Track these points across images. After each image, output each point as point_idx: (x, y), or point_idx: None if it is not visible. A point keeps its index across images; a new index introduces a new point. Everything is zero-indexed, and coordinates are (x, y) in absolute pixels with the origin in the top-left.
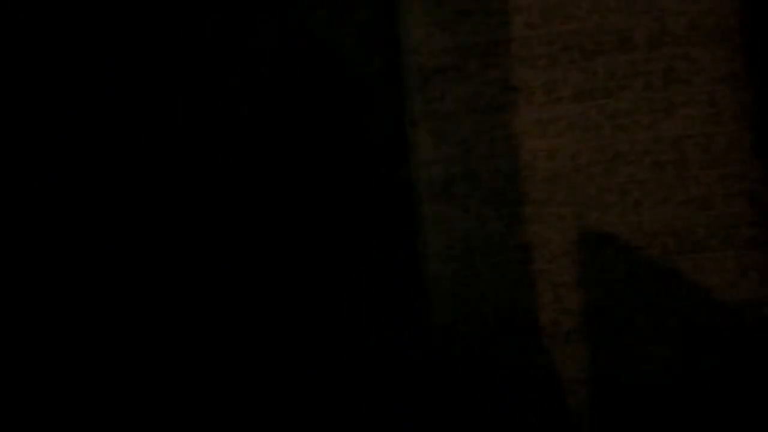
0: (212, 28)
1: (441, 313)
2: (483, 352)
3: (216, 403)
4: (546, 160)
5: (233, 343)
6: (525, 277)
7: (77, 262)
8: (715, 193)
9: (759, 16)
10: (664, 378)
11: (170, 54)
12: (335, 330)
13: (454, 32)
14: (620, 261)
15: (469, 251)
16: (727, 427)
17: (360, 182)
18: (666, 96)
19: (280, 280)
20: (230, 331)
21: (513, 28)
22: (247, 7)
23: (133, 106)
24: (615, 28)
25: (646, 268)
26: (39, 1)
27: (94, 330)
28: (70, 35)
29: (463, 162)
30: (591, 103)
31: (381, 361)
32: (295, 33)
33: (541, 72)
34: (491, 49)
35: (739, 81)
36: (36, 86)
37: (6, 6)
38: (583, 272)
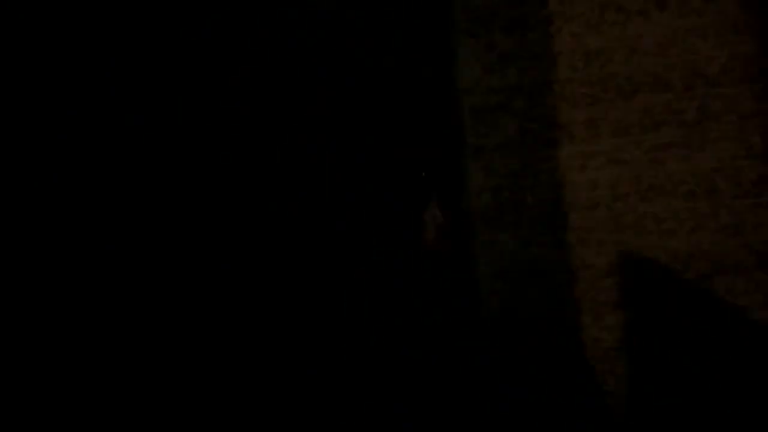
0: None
1: (492, 329)
2: (530, 365)
3: (225, 401)
4: (587, 190)
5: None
6: (569, 298)
7: (77, 262)
8: (745, 221)
9: None
10: (699, 392)
11: (172, 54)
12: (387, 343)
13: (503, 74)
14: (657, 283)
15: (517, 273)
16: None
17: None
18: (699, 132)
19: (337, 298)
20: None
21: (557, 70)
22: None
23: (133, 107)
24: (652, 71)
25: (682, 290)
26: (39, 1)
27: (94, 330)
28: (69, 35)
29: (511, 191)
30: (629, 139)
31: (435, 372)
32: (364, 71)
33: (583, 110)
34: (536, 89)
35: (766, 117)
36: (36, 86)
37: (6, 6)
38: (622, 293)
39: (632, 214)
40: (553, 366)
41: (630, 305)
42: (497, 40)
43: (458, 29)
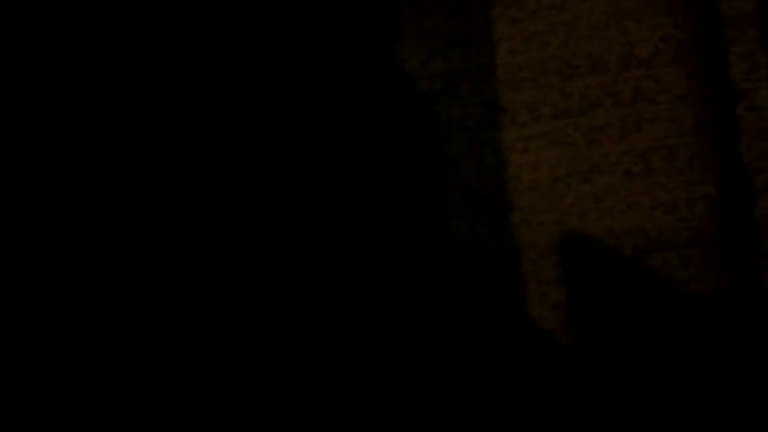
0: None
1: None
2: (478, 345)
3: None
4: (529, 172)
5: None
6: (514, 277)
7: (77, 263)
8: (679, 198)
9: (711, 41)
10: (640, 360)
11: (172, 55)
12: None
13: (447, 59)
14: (597, 260)
15: (463, 255)
16: (693, 399)
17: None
18: (634, 112)
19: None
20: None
21: (498, 55)
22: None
23: (133, 107)
24: (587, 53)
25: (620, 265)
26: (40, 2)
27: (95, 330)
28: (70, 35)
29: (457, 175)
30: (568, 121)
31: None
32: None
33: (524, 93)
34: (479, 73)
35: (698, 98)
36: (37, 87)
37: (6, 6)
38: (564, 271)
39: (572, 194)
40: (500, 346)
41: (572, 283)
42: (441, 25)
43: (403, 15)
